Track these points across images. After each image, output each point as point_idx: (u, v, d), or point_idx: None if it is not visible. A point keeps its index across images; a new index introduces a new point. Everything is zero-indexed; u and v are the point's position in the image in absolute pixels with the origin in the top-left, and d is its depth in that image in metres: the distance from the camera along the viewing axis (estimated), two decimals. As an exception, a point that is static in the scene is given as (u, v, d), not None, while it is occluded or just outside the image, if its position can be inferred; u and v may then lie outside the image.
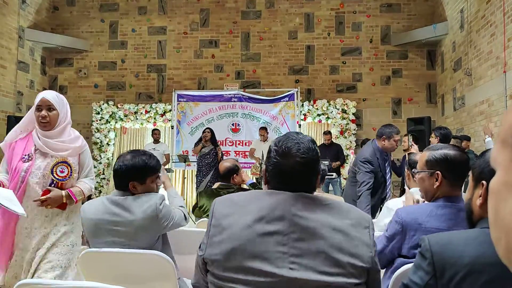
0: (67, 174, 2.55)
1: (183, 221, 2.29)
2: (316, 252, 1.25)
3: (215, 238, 1.31)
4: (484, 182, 1.22)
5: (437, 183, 1.87)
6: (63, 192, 2.52)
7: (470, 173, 1.37)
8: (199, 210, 3.51)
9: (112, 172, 2.43)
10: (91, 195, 2.82)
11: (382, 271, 2.08)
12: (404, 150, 6.60)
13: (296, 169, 1.34)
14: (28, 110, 2.71)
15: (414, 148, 5.36)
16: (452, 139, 5.95)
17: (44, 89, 9.54)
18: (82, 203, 2.32)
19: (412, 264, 1.30)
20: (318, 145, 8.56)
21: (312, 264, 1.24)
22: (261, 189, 3.51)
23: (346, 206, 1.38)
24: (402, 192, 5.25)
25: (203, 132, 7.74)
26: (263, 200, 1.33)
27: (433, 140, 5.05)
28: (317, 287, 1.24)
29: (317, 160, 1.38)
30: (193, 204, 3.97)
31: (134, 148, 8.95)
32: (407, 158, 2.99)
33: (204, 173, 7.44)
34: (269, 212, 1.29)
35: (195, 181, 7.68)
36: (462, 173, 1.87)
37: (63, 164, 2.55)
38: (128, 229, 2.04)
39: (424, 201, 2.15)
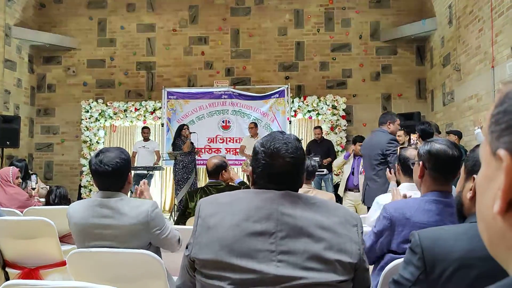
0: None
1: (176, 243, 2.13)
2: (304, 250, 1.25)
3: (201, 238, 1.31)
4: (475, 176, 1.22)
5: (419, 173, 1.91)
6: None
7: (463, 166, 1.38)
8: (193, 211, 3.45)
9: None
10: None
11: (371, 267, 2.08)
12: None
13: (286, 169, 1.35)
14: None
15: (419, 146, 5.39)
16: (451, 135, 6.07)
17: (32, 87, 9.44)
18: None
19: (402, 260, 1.30)
20: (308, 141, 8.38)
21: (299, 261, 1.24)
22: (249, 187, 3.48)
23: (333, 205, 1.39)
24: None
25: (183, 129, 7.63)
26: (249, 199, 1.33)
27: (416, 136, 5.10)
28: (304, 284, 1.24)
29: (304, 159, 1.40)
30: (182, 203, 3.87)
31: (123, 146, 8.81)
32: (398, 153, 3.00)
33: (190, 170, 7.42)
34: (256, 211, 1.29)
35: (180, 179, 7.45)
36: (442, 168, 1.86)
37: None
38: (118, 232, 1.98)
39: (410, 196, 2.19)
